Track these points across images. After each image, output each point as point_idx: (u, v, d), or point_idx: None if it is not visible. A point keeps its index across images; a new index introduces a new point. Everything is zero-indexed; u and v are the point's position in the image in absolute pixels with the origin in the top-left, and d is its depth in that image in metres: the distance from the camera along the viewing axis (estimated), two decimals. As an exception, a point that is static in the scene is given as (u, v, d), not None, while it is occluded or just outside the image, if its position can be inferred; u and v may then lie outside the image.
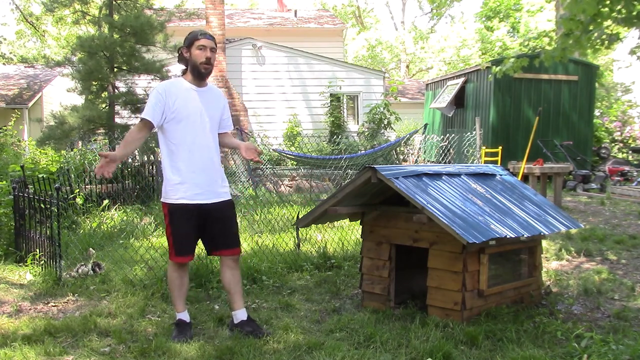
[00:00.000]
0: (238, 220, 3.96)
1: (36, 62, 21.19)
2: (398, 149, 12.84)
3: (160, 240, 6.37)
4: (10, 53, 27.50)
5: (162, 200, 3.67)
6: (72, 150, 10.35)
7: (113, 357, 3.37)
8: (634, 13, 5.11)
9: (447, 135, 10.76)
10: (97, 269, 5.17)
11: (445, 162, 10.51)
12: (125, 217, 7.61)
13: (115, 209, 7.93)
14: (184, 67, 3.71)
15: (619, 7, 5.17)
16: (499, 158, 10.25)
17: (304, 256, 5.65)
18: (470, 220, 3.69)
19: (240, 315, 3.73)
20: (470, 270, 3.82)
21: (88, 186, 8.51)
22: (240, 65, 15.69)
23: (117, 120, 10.06)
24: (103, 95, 10.11)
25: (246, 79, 15.73)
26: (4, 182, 6.68)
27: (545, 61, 5.93)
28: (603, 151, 14.16)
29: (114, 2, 10.14)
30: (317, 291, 4.77)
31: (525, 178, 9.03)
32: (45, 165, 8.17)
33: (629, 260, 5.87)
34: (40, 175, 6.62)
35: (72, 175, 8.30)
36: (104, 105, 9.95)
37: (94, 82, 9.75)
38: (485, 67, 12.11)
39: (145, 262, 5.24)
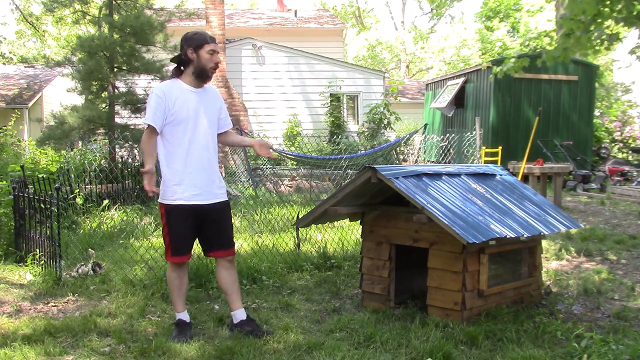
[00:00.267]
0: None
1: (36, 62, 21.20)
2: (398, 149, 12.84)
3: (160, 240, 6.37)
4: (10, 53, 27.52)
5: (159, 200, 3.67)
6: (72, 150, 10.37)
7: (113, 357, 3.37)
8: (634, 13, 5.11)
9: (447, 135, 10.76)
10: (98, 269, 5.17)
11: (445, 162, 10.51)
12: (125, 217, 7.61)
13: (115, 209, 7.93)
14: (177, 66, 3.68)
15: (619, 7, 5.17)
16: (499, 158, 10.25)
17: (304, 256, 5.65)
18: (470, 220, 3.69)
19: (240, 315, 3.73)
20: (470, 270, 3.82)
21: (88, 186, 8.51)
22: (240, 65, 15.70)
23: (117, 120, 10.06)
24: (103, 95, 10.10)
25: (246, 79, 15.74)
26: (4, 182, 6.68)
27: (547, 61, 5.93)
28: (603, 151, 14.16)
29: (114, 2, 10.14)
30: (317, 291, 4.77)
31: (525, 178, 9.02)
32: (45, 165, 8.17)
33: (629, 260, 5.87)
34: (40, 175, 6.62)
35: (72, 175, 8.30)
36: (104, 105, 9.95)
37: (94, 82, 9.75)
38: (486, 67, 12.11)
39: (145, 262, 5.24)
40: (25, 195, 5.73)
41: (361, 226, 4.45)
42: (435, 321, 3.78)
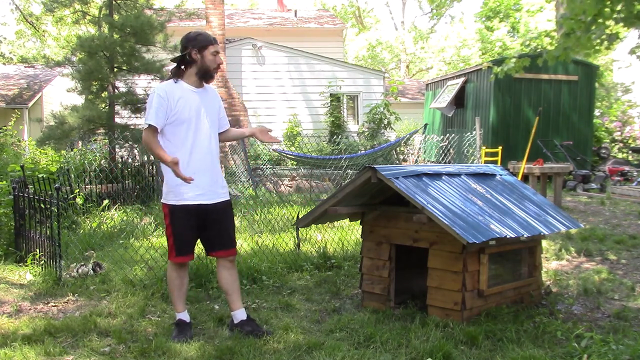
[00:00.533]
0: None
1: (36, 62, 21.20)
2: (398, 149, 12.84)
3: (160, 240, 6.37)
4: (10, 53, 27.51)
5: (162, 201, 3.67)
6: (72, 150, 10.36)
7: (113, 357, 3.37)
8: (634, 13, 5.11)
9: (447, 135, 10.76)
10: (98, 269, 5.17)
11: (445, 162, 10.51)
12: (125, 217, 7.61)
13: (115, 209, 7.93)
14: (177, 66, 3.68)
15: (619, 7, 5.17)
16: (499, 158, 10.25)
17: (304, 256, 5.65)
18: (470, 220, 3.69)
19: (240, 315, 3.73)
20: (470, 270, 3.82)
21: (88, 186, 8.51)
22: (240, 65, 15.69)
23: (117, 120, 10.05)
24: (103, 95, 10.10)
25: (246, 79, 15.74)
26: (4, 182, 6.68)
27: (549, 60, 5.93)
28: (603, 151, 14.16)
29: (114, 2, 10.14)
30: (317, 291, 4.77)
31: (525, 178, 9.02)
32: (45, 165, 8.17)
33: (629, 260, 5.87)
34: (40, 175, 6.63)
35: (72, 175, 8.30)
36: (104, 105, 9.95)
37: (94, 82, 9.75)
38: (487, 67, 12.11)
39: (145, 262, 5.24)
40: (25, 195, 5.73)
41: (361, 226, 4.45)
42: (435, 321, 3.78)
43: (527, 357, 3.22)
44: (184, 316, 3.74)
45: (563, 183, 10.23)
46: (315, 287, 4.87)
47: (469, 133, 10.47)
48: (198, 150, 3.60)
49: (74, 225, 7.08)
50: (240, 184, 11.12)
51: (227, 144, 12.84)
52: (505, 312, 3.96)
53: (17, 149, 12.52)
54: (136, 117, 10.08)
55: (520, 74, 7.53)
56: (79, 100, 11.78)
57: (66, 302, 4.48)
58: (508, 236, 3.73)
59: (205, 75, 3.64)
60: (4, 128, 12.47)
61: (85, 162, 9.15)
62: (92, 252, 5.65)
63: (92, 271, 5.12)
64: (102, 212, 7.65)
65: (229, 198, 3.79)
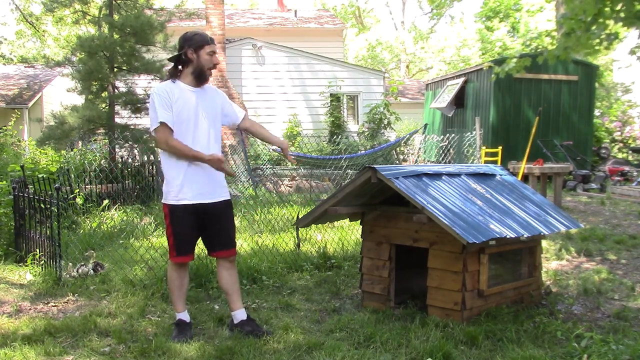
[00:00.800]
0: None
1: (36, 62, 21.20)
2: (398, 149, 12.84)
3: (160, 240, 6.37)
4: (11, 53, 27.51)
5: (163, 201, 3.67)
6: (72, 150, 10.37)
7: (113, 357, 3.37)
8: (634, 13, 5.11)
9: (447, 135, 10.76)
10: (99, 269, 5.17)
11: (445, 162, 10.51)
12: (125, 217, 7.61)
13: (115, 209, 7.93)
14: (174, 66, 3.67)
15: (619, 6, 5.16)
16: (499, 158, 10.25)
17: (304, 256, 5.65)
18: (470, 220, 3.69)
19: (240, 315, 3.73)
20: (470, 270, 3.82)
21: (88, 186, 8.51)
22: (241, 65, 15.70)
23: (117, 120, 10.05)
24: (103, 95, 10.10)
25: (246, 79, 15.74)
26: (4, 182, 6.68)
27: (549, 60, 5.93)
28: (603, 151, 14.15)
29: (114, 2, 10.14)
30: (317, 291, 4.77)
31: (525, 178, 9.02)
32: (45, 165, 8.17)
33: (629, 260, 5.87)
34: (40, 175, 6.63)
35: (72, 175, 8.30)
36: (104, 105, 9.95)
37: (94, 82, 9.75)
38: (488, 67, 12.11)
39: (145, 262, 5.23)
40: (25, 195, 5.73)
41: (361, 226, 4.45)
42: (435, 321, 3.78)
43: (527, 357, 3.22)
44: (184, 316, 3.74)
45: (563, 183, 10.23)
46: (315, 287, 4.87)
47: (469, 133, 10.48)
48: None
49: (74, 225, 7.08)
50: (240, 184, 11.12)
51: (227, 143, 12.87)
52: (505, 312, 3.96)
53: (17, 149, 12.53)
54: (136, 117, 10.08)
55: (520, 74, 7.53)
56: (79, 100, 11.78)
57: (66, 302, 4.48)
58: (508, 236, 3.73)
59: (200, 75, 3.63)
60: (4, 128, 12.47)
61: (85, 162, 9.15)
62: (92, 252, 5.66)
63: (92, 271, 5.12)
64: (102, 212, 7.65)
65: (229, 198, 3.79)
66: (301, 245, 6.06)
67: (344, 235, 6.40)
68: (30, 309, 4.31)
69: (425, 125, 14.15)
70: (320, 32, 20.46)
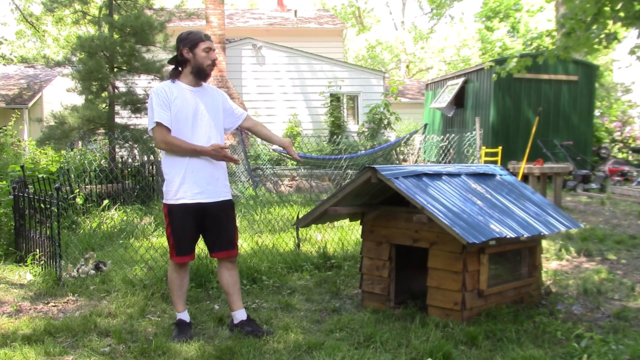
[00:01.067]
0: (238, 220, 3.96)
1: (36, 62, 21.18)
2: (398, 149, 12.84)
3: (160, 240, 6.38)
4: (11, 53, 27.51)
5: (163, 201, 3.67)
6: (72, 150, 10.37)
7: (113, 357, 3.37)
8: (634, 13, 5.11)
9: (447, 135, 10.76)
10: (103, 266, 5.18)
11: (445, 162, 10.51)
12: (125, 217, 7.61)
13: (115, 209, 7.93)
14: (173, 67, 3.67)
15: (618, 6, 5.17)
16: (499, 158, 10.25)
17: (304, 256, 5.65)
18: (470, 220, 3.69)
19: (240, 315, 3.73)
20: (470, 270, 3.82)
21: (88, 186, 8.51)
22: (241, 65, 15.70)
23: (117, 120, 10.05)
24: (103, 95, 10.10)
25: (246, 79, 15.74)
26: (4, 182, 6.69)
27: (550, 59, 5.94)
28: (603, 151, 14.15)
29: (114, 2, 10.14)
30: (317, 291, 4.77)
31: (525, 178, 9.03)
32: (45, 165, 8.18)
33: (629, 260, 5.87)
34: (40, 175, 6.63)
35: (72, 175, 8.30)
36: (104, 105, 9.95)
37: (94, 82, 9.74)
38: (489, 66, 12.11)
39: (145, 262, 5.23)
40: (25, 195, 5.73)
41: (361, 226, 4.45)
42: (435, 321, 3.78)
43: (527, 357, 3.22)
44: (184, 316, 3.74)
45: (563, 183, 10.23)
46: (315, 287, 4.87)
47: (469, 133, 10.47)
48: None
49: (74, 225, 7.09)
50: (240, 184, 11.12)
51: (227, 143, 12.85)
52: (505, 312, 3.96)
53: (17, 149, 12.54)
54: (136, 117, 10.08)
55: (520, 73, 7.54)
56: (79, 100, 11.77)
57: (66, 302, 4.48)
58: (508, 236, 3.73)
59: (200, 73, 3.63)
60: (4, 128, 12.48)
61: (85, 162, 9.15)
62: (92, 253, 5.66)
63: (95, 269, 5.13)
64: (102, 212, 7.66)
65: (230, 198, 3.78)
66: (301, 245, 6.06)
67: (344, 235, 6.40)
68: (30, 309, 4.31)
69: (425, 125, 14.15)
70: (320, 32, 20.46)
